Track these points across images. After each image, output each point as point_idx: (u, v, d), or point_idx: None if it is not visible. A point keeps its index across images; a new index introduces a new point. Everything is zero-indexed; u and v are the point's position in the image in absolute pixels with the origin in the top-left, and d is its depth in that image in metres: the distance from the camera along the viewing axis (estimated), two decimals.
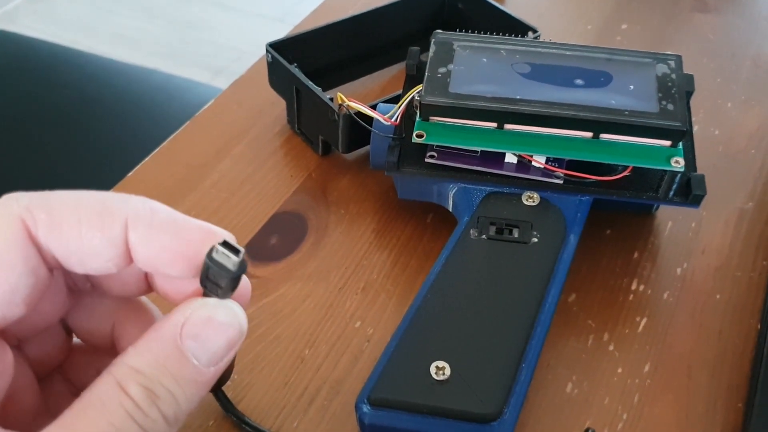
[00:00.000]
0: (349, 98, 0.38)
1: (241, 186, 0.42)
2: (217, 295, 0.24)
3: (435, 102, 0.36)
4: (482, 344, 0.31)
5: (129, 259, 0.24)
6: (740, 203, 0.42)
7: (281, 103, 0.45)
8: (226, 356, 0.24)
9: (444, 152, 0.37)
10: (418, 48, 0.41)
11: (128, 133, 0.71)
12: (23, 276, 0.23)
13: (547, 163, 0.36)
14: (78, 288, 0.27)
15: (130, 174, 0.43)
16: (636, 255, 0.39)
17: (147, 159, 0.43)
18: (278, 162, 0.43)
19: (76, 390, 0.28)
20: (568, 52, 0.38)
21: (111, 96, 0.75)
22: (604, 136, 0.35)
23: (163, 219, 0.24)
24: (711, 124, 0.46)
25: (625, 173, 0.36)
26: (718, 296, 0.37)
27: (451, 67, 0.37)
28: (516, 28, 0.44)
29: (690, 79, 0.39)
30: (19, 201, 0.24)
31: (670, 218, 0.41)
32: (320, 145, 0.43)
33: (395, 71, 0.49)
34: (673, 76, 0.37)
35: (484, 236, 0.35)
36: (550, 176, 0.36)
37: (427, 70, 0.37)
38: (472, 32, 0.39)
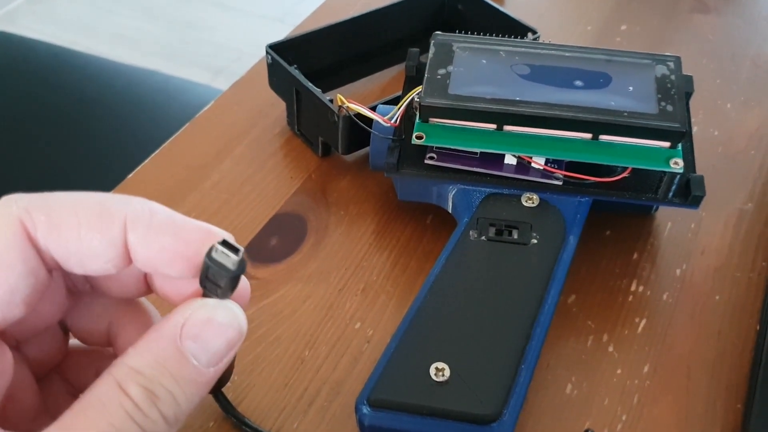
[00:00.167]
0: (348, 100, 0.38)
1: (241, 187, 0.42)
2: (217, 296, 0.24)
3: (434, 103, 0.36)
4: (482, 345, 0.31)
5: (128, 260, 0.24)
6: (740, 204, 0.42)
7: (281, 105, 0.45)
8: (225, 357, 0.24)
9: (443, 153, 0.37)
10: (418, 49, 0.41)
11: (128, 134, 0.71)
12: (23, 277, 0.23)
13: (546, 164, 0.36)
14: (77, 289, 0.27)
15: (130, 175, 0.43)
16: (635, 256, 0.39)
17: (147, 160, 0.43)
18: (278, 163, 0.43)
19: (74, 390, 0.28)
20: (567, 54, 0.38)
21: (111, 97, 0.74)
22: (603, 137, 0.35)
23: (162, 220, 0.24)
24: (710, 124, 0.46)
25: (625, 174, 0.36)
26: (717, 297, 0.37)
27: (450, 68, 0.37)
28: (515, 29, 0.44)
29: (689, 80, 0.39)
30: (19, 202, 0.24)
31: (669, 219, 0.41)
32: (320, 146, 0.43)
33: (395, 72, 0.49)
34: (673, 77, 0.37)
35: (483, 237, 0.35)
36: (550, 177, 0.36)
37: (426, 72, 0.37)
38: (472, 33, 0.39)
